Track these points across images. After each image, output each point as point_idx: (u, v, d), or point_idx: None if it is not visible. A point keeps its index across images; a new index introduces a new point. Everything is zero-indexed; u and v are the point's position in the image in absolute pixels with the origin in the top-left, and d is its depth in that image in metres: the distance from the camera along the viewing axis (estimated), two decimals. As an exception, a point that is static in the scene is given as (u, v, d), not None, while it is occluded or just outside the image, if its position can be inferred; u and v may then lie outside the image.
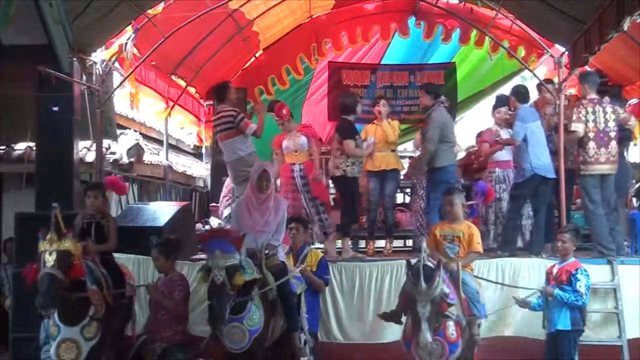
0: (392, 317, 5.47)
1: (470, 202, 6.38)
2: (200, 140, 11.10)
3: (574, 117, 6.75)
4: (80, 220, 5.43)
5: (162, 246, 5.55)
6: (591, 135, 6.73)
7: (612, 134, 6.79)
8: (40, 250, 4.62)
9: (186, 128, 10.66)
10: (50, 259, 4.55)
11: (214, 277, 4.61)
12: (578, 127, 6.71)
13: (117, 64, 7.42)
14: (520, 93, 7.23)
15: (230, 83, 7.85)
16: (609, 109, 6.83)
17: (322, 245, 7.57)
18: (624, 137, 7.12)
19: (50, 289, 4.50)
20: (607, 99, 7.19)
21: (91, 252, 5.16)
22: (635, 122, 7.00)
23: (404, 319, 5.20)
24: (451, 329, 4.91)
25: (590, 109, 6.78)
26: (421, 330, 4.59)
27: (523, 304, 5.78)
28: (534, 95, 7.60)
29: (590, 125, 6.75)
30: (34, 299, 4.51)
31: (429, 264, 4.79)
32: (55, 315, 4.81)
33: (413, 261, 4.91)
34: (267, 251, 5.30)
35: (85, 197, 5.61)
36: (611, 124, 6.79)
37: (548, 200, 7.02)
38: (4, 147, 8.39)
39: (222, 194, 8.66)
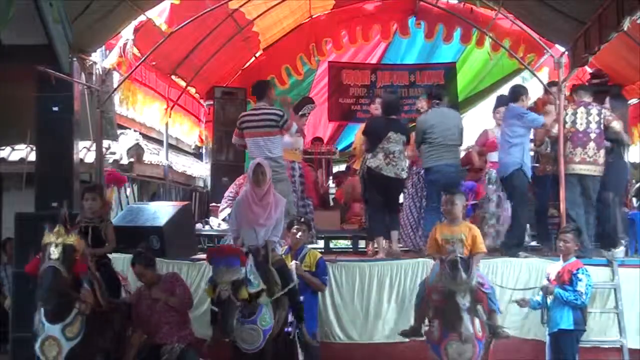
0: (412, 332, 5.51)
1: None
2: (202, 140, 11.10)
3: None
4: (78, 222, 5.40)
5: (144, 259, 5.31)
6: (568, 135, 6.87)
7: (593, 136, 6.87)
8: (46, 242, 4.58)
9: (186, 128, 10.63)
10: (55, 252, 4.52)
11: (220, 292, 4.69)
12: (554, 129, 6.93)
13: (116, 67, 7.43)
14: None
15: (270, 82, 7.85)
16: (594, 111, 6.93)
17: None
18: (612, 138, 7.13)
19: (52, 283, 4.47)
20: (607, 100, 7.25)
21: (86, 255, 5.07)
22: (619, 125, 6.99)
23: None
24: (478, 326, 4.89)
25: (570, 111, 6.93)
26: (463, 323, 4.58)
27: (522, 302, 5.78)
28: (533, 95, 7.63)
29: (568, 125, 6.89)
30: (34, 297, 4.48)
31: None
32: (42, 311, 4.76)
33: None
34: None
35: (82, 200, 5.60)
36: (593, 126, 6.88)
37: (514, 199, 7.07)
38: (3, 148, 8.39)
39: (226, 193, 8.65)
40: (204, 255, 7.09)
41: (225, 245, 5.03)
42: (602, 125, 6.91)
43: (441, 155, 7.14)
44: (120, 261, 6.21)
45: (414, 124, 7.53)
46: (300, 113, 7.81)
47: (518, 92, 7.21)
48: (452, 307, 4.67)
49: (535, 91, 8.79)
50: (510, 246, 6.88)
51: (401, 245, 7.56)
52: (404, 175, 7.17)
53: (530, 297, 5.80)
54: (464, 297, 4.62)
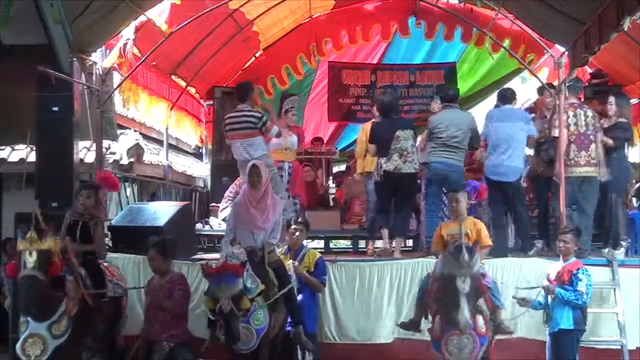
0: (411, 325, 5.54)
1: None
2: (202, 140, 11.10)
3: (556, 123, 6.92)
4: (68, 218, 5.43)
5: (160, 246, 5.43)
6: (572, 138, 6.88)
7: (593, 137, 6.92)
8: (20, 249, 4.62)
9: (187, 128, 10.63)
10: (30, 260, 4.56)
11: (222, 306, 4.71)
12: (556, 133, 6.90)
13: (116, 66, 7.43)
14: (500, 96, 7.47)
15: (254, 84, 7.68)
16: (589, 113, 6.98)
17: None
18: (621, 137, 7.15)
19: (31, 292, 4.52)
20: (613, 99, 7.27)
21: (69, 250, 5.08)
22: (601, 135, 7.00)
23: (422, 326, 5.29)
24: (480, 322, 4.89)
25: (571, 113, 6.93)
26: (460, 309, 4.52)
27: (524, 302, 5.77)
28: (531, 96, 7.64)
29: (572, 128, 6.90)
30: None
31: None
32: None
33: None
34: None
35: (77, 196, 5.60)
36: (592, 128, 6.93)
37: (515, 203, 7.09)
38: (3, 148, 8.39)
39: (226, 193, 8.63)
40: (204, 255, 7.14)
41: (221, 265, 4.98)
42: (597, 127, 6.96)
43: (442, 154, 7.16)
44: (121, 261, 6.21)
45: (417, 124, 7.53)
46: (283, 110, 7.78)
47: (512, 96, 7.30)
48: (452, 293, 4.63)
49: (534, 92, 8.78)
50: (525, 250, 6.98)
51: (403, 246, 7.55)
52: (419, 167, 7.21)
53: (532, 298, 5.80)
54: (464, 281, 4.58)
